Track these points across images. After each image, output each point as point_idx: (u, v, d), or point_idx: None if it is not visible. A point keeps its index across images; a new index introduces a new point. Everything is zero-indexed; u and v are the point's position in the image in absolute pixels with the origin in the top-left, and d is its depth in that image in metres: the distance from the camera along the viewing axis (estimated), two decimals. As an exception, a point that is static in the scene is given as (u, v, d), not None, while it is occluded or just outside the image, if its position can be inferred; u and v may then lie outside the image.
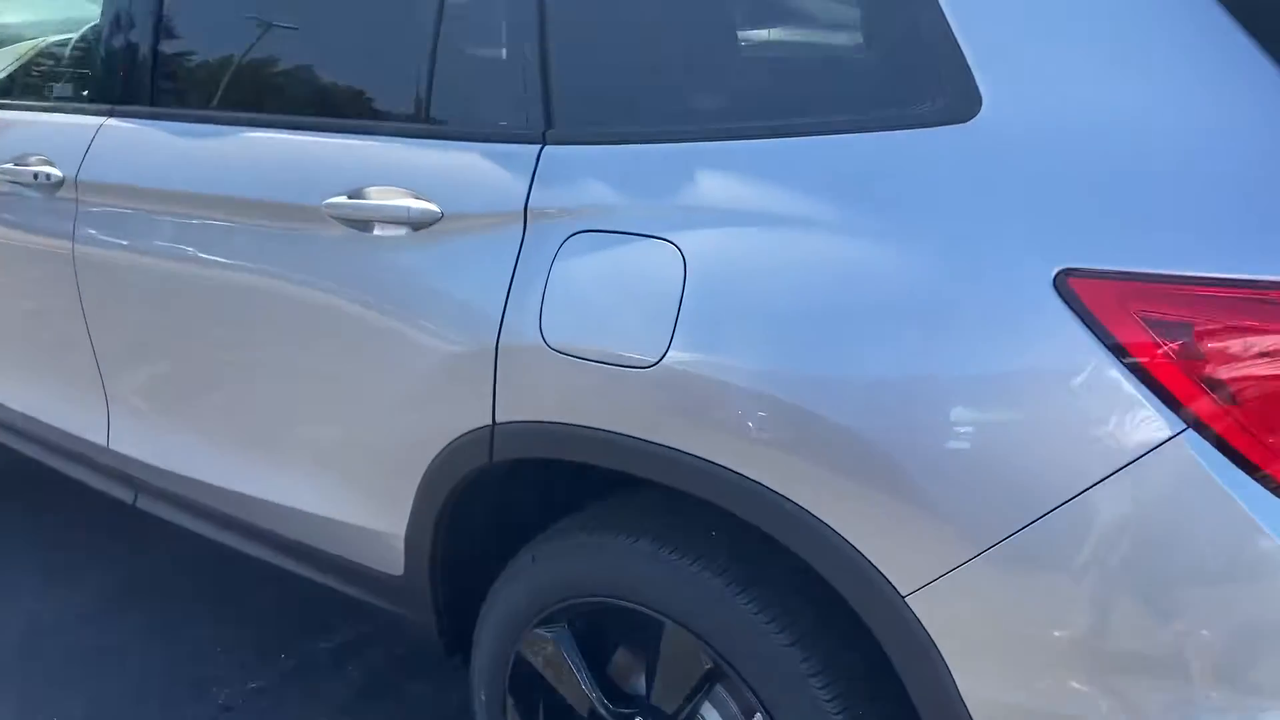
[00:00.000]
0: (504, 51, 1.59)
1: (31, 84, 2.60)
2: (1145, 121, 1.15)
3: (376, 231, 1.68)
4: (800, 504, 1.28)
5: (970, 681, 1.21)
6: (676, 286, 1.36)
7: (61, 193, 2.12)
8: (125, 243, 2.06)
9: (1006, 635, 1.20)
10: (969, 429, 1.19)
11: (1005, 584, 1.17)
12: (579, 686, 1.63)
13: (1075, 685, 1.16)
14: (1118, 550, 1.11)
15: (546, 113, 1.54)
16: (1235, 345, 1.05)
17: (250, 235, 1.84)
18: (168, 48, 2.03)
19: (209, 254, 1.91)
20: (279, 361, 1.86)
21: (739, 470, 1.33)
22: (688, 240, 1.37)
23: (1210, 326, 1.05)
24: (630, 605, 1.54)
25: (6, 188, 2.23)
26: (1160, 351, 1.07)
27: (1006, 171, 1.19)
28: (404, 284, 1.66)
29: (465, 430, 1.61)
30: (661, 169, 1.44)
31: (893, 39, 1.29)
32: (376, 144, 1.71)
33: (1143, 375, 1.07)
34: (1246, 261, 1.06)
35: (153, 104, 2.03)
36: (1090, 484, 1.10)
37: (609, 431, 1.44)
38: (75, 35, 2.70)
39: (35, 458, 2.51)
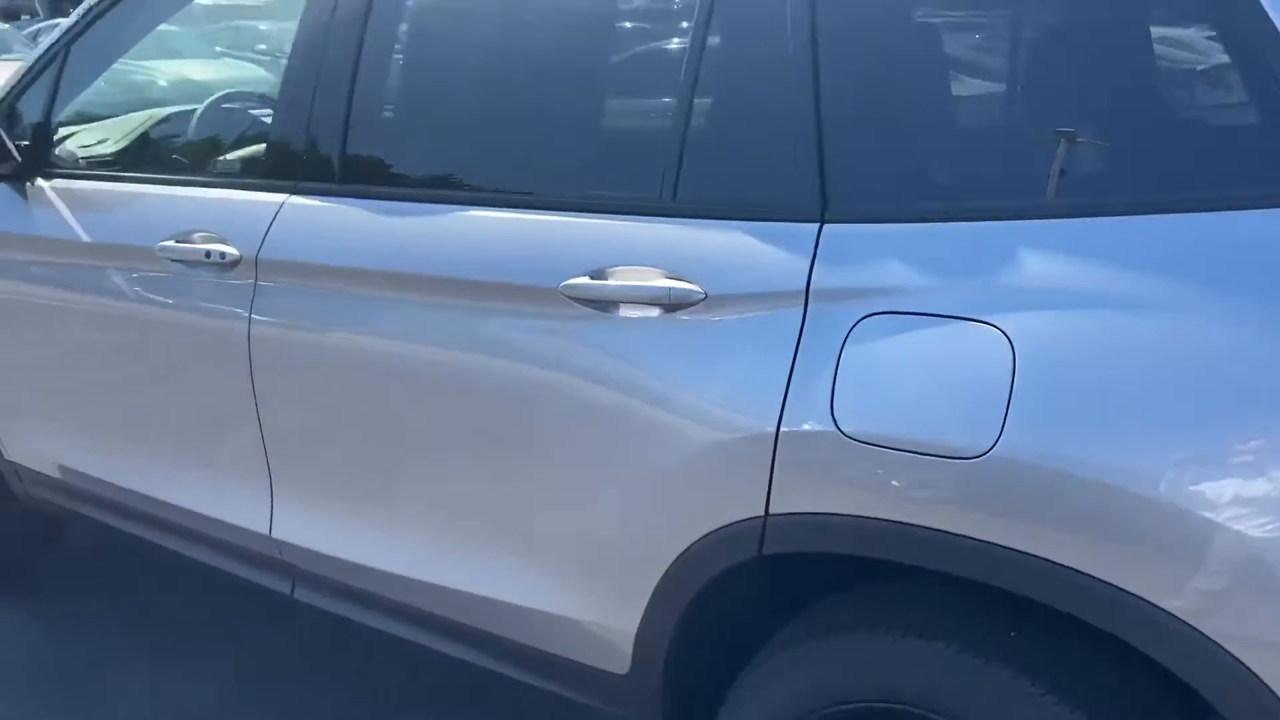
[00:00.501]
0: (772, 124, 1.52)
1: (168, 155, 2.53)
2: None
3: (623, 313, 1.60)
4: (1171, 611, 1.19)
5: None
6: (1005, 371, 1.28)
7: (237, 271, 2.03)
8: (314, 323, 1.96)
9: None
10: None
11: None
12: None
13: None
14: None
15: (823, 189, 1.47)
16: None
17: (470, 317, 1.76)
18: (364, 120, 1.96)
19: (418, 337, 1.82)
20: (498, 448, 1.77)
21: (1085, 570, 1.24)
22: (1013, 322, 1.30)
23: None
24: (910, 709, 1.44)
25: (166, 266, 2.15)
26: None
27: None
28: (658, 368, 1.57)
29: (729, 522, 1.52)
30: (969, 247, 1.37)
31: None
32: (620, 223, 1.64)
33: None
34: None
35: (347, 181, 1.96)
36: None
37: (915, 525, 1.35)
38: (206, 104, 2.64)
39: (170, 547, 2.39)
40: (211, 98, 2.60)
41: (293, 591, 2.19)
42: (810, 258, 1.45)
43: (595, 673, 1.78)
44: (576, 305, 1.62)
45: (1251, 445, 1.17)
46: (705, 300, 1.52)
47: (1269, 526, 1.15)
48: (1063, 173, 1.34)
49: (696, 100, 1.59)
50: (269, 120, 2.23)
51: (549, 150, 1.81)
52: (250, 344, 2.02)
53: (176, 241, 2.12)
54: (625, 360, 1.60)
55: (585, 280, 1.61)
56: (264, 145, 2.14)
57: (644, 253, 1.59)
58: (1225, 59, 1.29)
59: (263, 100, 2.61)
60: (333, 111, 1.96)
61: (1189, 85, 1.51)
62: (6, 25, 18.27)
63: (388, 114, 2.03)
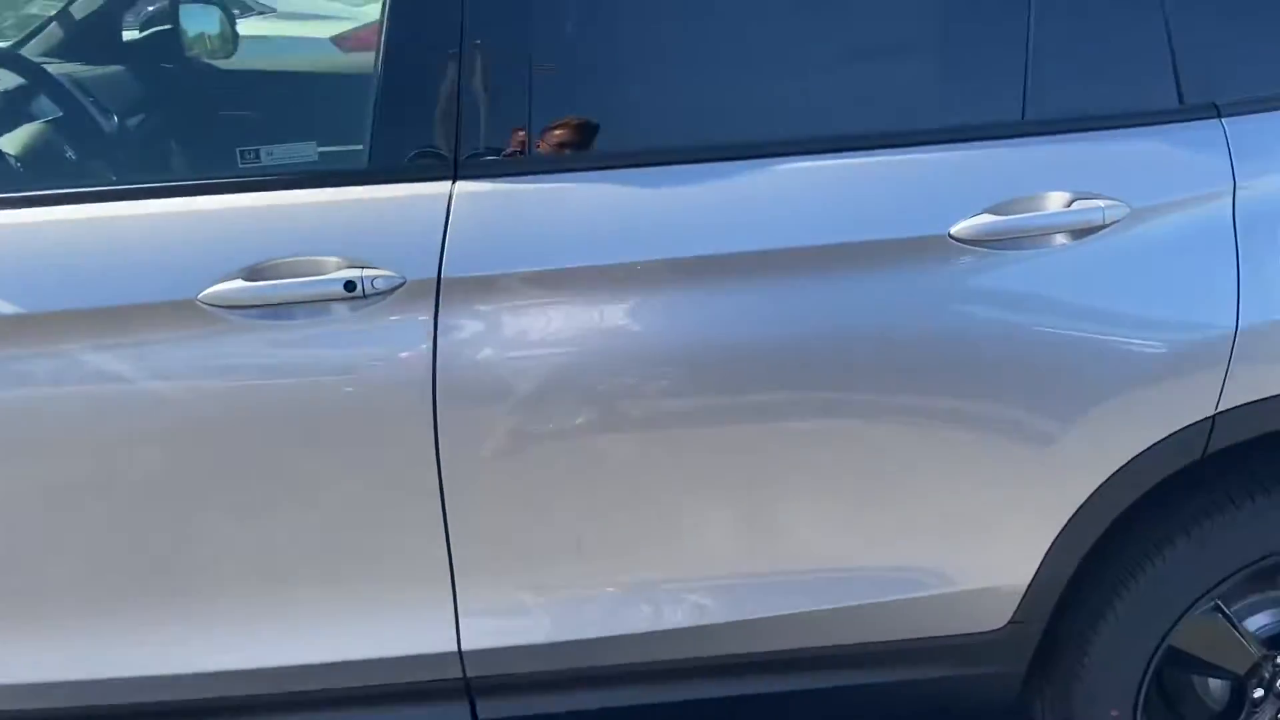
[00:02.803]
0: (1148, 26, 1.47)
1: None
2: None
3: (1026, 249, 1.46)
4: None
5: None
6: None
7: (395, 302, 1.39)
8: (556, 350, 1.43)
9: None
10: None
11: None
12: (1247, 653, 1.67)
13: None
14: None
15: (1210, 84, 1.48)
16: None
17: (833, 290, 1.44)
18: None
19: (726, 329, 1.44)
20: (904, 423, 1.50)
21: None
22: None
23: None
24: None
25: (245, 316, 1.38)
26: None
27: None
28: (1081, 295, 1.47)
29: (1172, 431, 1.51)
30: None
31: None
32: (997, 151, 1.47)
33: None
34: None
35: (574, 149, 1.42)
36: None
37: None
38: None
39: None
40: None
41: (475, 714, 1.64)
42: (1226, 154, 1.47)
43: (962, 640, 1.65)
44: (965, 249, 1.43)
45: None
46: (1129, 216, 1.45)
47: None
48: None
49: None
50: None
51: (883, 74, 1.51)
52: (436, 397, 1.42)
53: (247, 279, 1.38)
54: (1038, 296, 1.47)
55: (985, 219, 1.43)
56: (371, 112, 1.44)
57: (1042, 179, 1.46)
58: None
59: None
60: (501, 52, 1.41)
61: None
62: None
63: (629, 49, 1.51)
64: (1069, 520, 1.56)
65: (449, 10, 1.40)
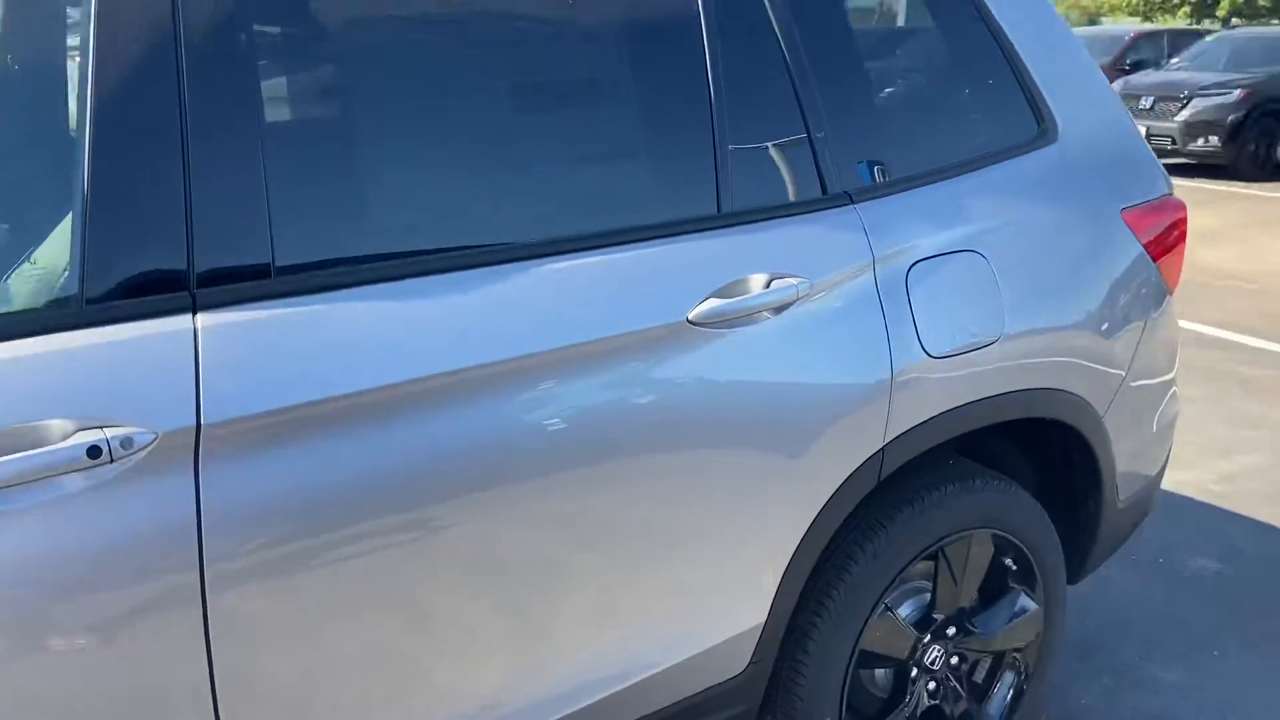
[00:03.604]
0: (796, 134, 1.74)
1: None
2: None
3: (743, 326, 1.64)
4: (1074, 392, 2.05)
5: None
6: (993, 282, 1.91)
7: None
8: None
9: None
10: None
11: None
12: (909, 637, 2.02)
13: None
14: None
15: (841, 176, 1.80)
16: None
17: (588, 384, 1.49)
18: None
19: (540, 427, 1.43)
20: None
21: (1049, 386, 2.00)
22: (987, 248, 1.92)
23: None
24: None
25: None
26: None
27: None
28: (785, 360, 1.68)
29: (859, 464, 1.79)
30: (946, 203, 1.90)
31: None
32: (710, 242, 1.62)
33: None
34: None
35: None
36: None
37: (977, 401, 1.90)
38: None
39: None
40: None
41: None
42: (863, 233, 1.78)
43: (717, 690, 1.79)
44: (699, 331, 1.59)
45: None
46: (812, 287, 1.70)
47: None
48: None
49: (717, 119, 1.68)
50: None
51: (612, 178, 1.56)
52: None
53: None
54: (751, 366, 1.66)
55: (714, 303, 1.59)
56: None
57: (744, 264, 1.65)
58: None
59: None
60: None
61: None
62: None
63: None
64: (789, 560, 1.76)
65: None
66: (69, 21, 1.49)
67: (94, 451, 1.15)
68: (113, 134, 1.20)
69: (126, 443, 1.17)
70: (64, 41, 1.51)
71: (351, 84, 1.48)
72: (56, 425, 1.15)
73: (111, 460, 1.16)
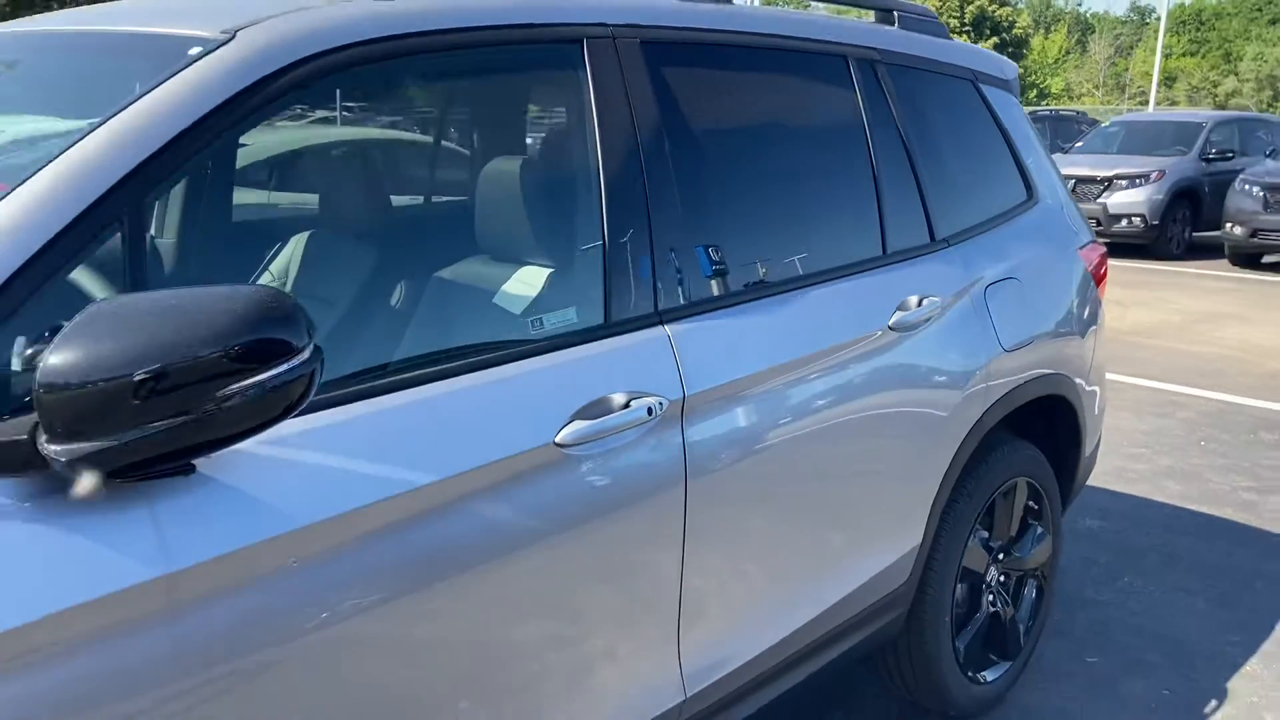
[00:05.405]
0: (918, 202, 2.53)
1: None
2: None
3: (919, 330, 2.39)
4: (1069, 374, 2.93)
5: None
6: (1027, 299, 2.76)
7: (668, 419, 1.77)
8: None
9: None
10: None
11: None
12: (986, 558, 2.81)
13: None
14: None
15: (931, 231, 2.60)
16: None
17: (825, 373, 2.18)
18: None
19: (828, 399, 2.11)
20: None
21: (1057, 370, 2.87)
22: (1020, 275, 2.77)
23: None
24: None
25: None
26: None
27: (1058, 218, 3.07)
28: (936, 354, 2.44)
29: (974, 422, 2.56)
30: (996, 246, 2.74)
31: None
32: (881, 276, 2.37)
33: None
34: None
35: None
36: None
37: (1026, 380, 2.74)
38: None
39: None
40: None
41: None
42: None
43: (890, 596, 2.48)
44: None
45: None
46: (944, 303, 2.48)
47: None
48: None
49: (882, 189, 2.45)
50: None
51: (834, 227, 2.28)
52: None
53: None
54: (927, 352, 2.41)
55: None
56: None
57: (908, 289, 2.41)
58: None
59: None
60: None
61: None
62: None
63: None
64: (936, 492, 2.51)
65: None
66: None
67: (650, 411, 1.74)
68: (617, 218, 1.83)
69: (658, 406, 1.76)
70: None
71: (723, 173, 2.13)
72: (619, 397, 1.73)
73: (651, 416, 1.75)
